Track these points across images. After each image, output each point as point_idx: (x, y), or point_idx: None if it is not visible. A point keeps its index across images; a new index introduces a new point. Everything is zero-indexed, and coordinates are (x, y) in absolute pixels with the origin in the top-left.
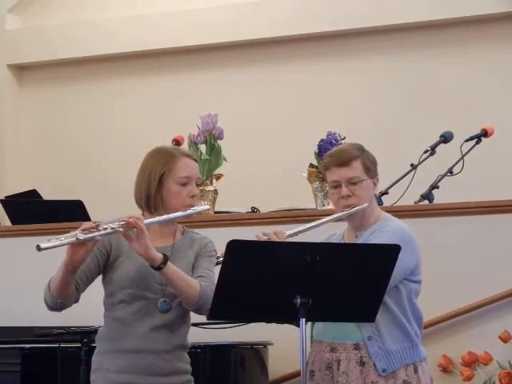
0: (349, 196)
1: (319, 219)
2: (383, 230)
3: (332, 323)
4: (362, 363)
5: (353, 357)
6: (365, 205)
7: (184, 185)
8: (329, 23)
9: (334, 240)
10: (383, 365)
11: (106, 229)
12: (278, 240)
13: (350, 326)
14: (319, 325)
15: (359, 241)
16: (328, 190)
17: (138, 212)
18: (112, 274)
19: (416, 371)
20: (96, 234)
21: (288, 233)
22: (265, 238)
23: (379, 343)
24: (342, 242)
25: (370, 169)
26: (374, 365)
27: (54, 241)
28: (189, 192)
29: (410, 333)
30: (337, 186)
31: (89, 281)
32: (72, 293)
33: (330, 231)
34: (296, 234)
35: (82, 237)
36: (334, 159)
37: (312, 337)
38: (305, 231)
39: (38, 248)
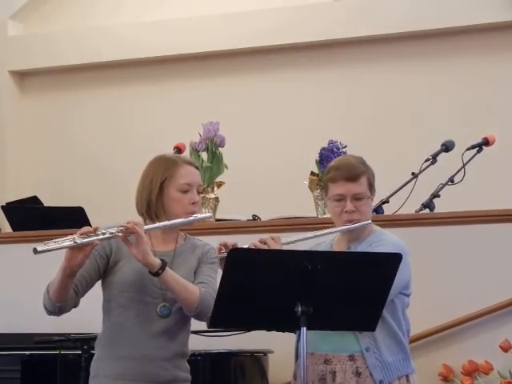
0: (353, 211)
1: (320, 230)
2: (381, 243)
3: (325, 335)
4: (357, 374)
5: (348, 368)
6: (368, 221)
7: (185, 192)
8: (330, 32)
9: (321, 249)
10: (380, 376)
11: (105, 233)
12: (275, 245)
13: (345, 338)
14: (309, 336)
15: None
16: (329, 201)
17: (138, 219)
18: (111, 278)
19: (408, 381)
20: (94, 238)
21: (284, 240)
22: (261, 245)
23: (376, 354)
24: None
25: (372, 185)
26: (371, 375)
27: (52, 244)
28: (190, 199)
29: (404, 345)
30: (341, 199)
31: (88, 285)
32: (71, 297)
33: (315, 240)
34: (293, 242)
35: (79, 241)
36: (343, 173)
37: (297, 348)
38: (303, 240)
39: (35, 251)
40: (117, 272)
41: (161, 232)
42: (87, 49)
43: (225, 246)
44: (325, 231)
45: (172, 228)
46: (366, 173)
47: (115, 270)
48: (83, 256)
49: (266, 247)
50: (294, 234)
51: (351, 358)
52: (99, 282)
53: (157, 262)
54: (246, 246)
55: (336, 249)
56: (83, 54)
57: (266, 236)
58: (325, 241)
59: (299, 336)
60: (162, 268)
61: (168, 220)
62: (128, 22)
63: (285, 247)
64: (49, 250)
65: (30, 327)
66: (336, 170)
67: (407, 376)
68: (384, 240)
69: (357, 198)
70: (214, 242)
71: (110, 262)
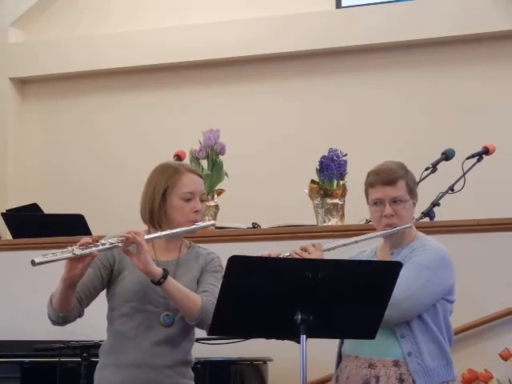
0: (392, 215)
1: (360, 236)
2: (424, 249)
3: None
4: (401, 380)
5: (392, 373)
6: (408, 225)
7: (188, 200)
8: (331, 40)
9: (365, 256)
10: (422, 381)
11: (105, 244)
12: (315, 252)
13: (388, 342)
14: (352, 340)
15: (396, 258)
16: (369, 207)
17: (142, 227)
18: (115, 288)
19: None
20: (94, 249)
21: (325, 247)
22: (302, 253)
23: (418, 359)
24: (375, 258)
25: (413, 189)
26: (414, 382)
27: (50, 256)
28: (192, 207)
29: (446, 351)
30: (379, 203)
31: (92, 295)
32: (74, 307)
33: (357, 247)
34: (334, 248)
35: (78, 252)
36: (381, 177)
37: (340, 352)
38: (344, 246)
39: (33, 263)
40: (120, 282)
41: (164, 241)
42: (88, 56)
43: None
44: (365, 236)
45: (175, 236)
46: (404, 177)
47: (118, 279)
48: (83, 267)
49: (306, 254)
50: (294, 242)
51: (396, 363)
52: (103, 292)
53: (158, 271)
54: (287, 254)
55: (380, 255)
56: (84, 61)
57: (306, 243)
58: (367, 248)
59: (342, 341)
60: (164, 277)
61: (170, 228)
62: (131, 29)
63: (326, 254)
64: (47, 262)
65: (30, 334)
66: (375, 174)
67: (448, 383)
68: (426, 245)
69: (395, 202)
70: (213, 249)
71: (113, 272)
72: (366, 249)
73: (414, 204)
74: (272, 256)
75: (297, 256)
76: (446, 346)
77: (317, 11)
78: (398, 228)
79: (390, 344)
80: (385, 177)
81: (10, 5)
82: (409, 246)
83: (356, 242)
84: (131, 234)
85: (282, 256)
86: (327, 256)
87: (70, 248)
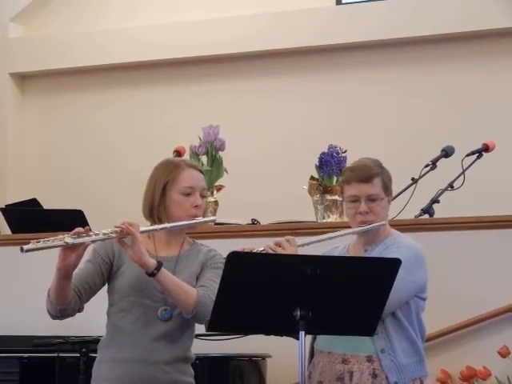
0: (367, 212)
1: (334, 232)
2: (398, 246)
3: (340, 335)
4: (374, 375)
5: (365, 369)
6: (383, 222)
7: (188, 195)
8: (333, 36)
9: (337, 253)
10: (395, 378)
11: (98, 234)
12: (290, 247)
13: (362, 339)
14: (325, 336)
15: (370, 254)
16: (345, 203)
17: (143, 224)
18: (115, 283)
19: None
20: (86, 239)
21: (300, 242)
22: (276, 248)
23: (391, 356)
24: (347, 255)
25: (388, 187)
26: (386, 378)
27: (40, 243)
28: (192, 202)
29: (419, 347)
30: (355, 200)
31: (92, 291)
32: (72, 300)
33: (330, 244)
34: (308, 244)
35: (69, 241)
36: (356, 174)
37: (313, 348)
38: (318, 242)
39: (22, 249)
40: (119, 277)
41: (165, 236)
42: (88, 51)
43: None
44: (339, 233)
45: (177, 232)
46: (380, 174)
47: (118, 274)
48: (76, 257)
49: (281, 249)
50: (308, 236)
51: (369, 358)
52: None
53: (152, 262)
54: (261, 249)
55: (352, 252)
56: (85, 57)
57: (280, 238)
58: (340, 245)
59: (315, 336)
60: (158, 268)
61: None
62: (132, 25)
63: (300, 249)
64: (36, 249)
65: (28, 330)
66: (351, 171)
67: (421, 379)
68: (401, 243)
69: (371, 199)
70: (213, 245)
71: (113, 267)
72: (339, 245)
73: (389, 202)
74: (246, 250)
75: (271, 251)
76: (418, 343)
77: (317, 7)
78: (373, 225)
79: (363, 340)
80: (361, 174)
81: (10, 0)
82: (383, 243)
83: (331, 238)
84: (125, 225)
85: (255, 251)
86: (301, 252)
87: (61, 236)
